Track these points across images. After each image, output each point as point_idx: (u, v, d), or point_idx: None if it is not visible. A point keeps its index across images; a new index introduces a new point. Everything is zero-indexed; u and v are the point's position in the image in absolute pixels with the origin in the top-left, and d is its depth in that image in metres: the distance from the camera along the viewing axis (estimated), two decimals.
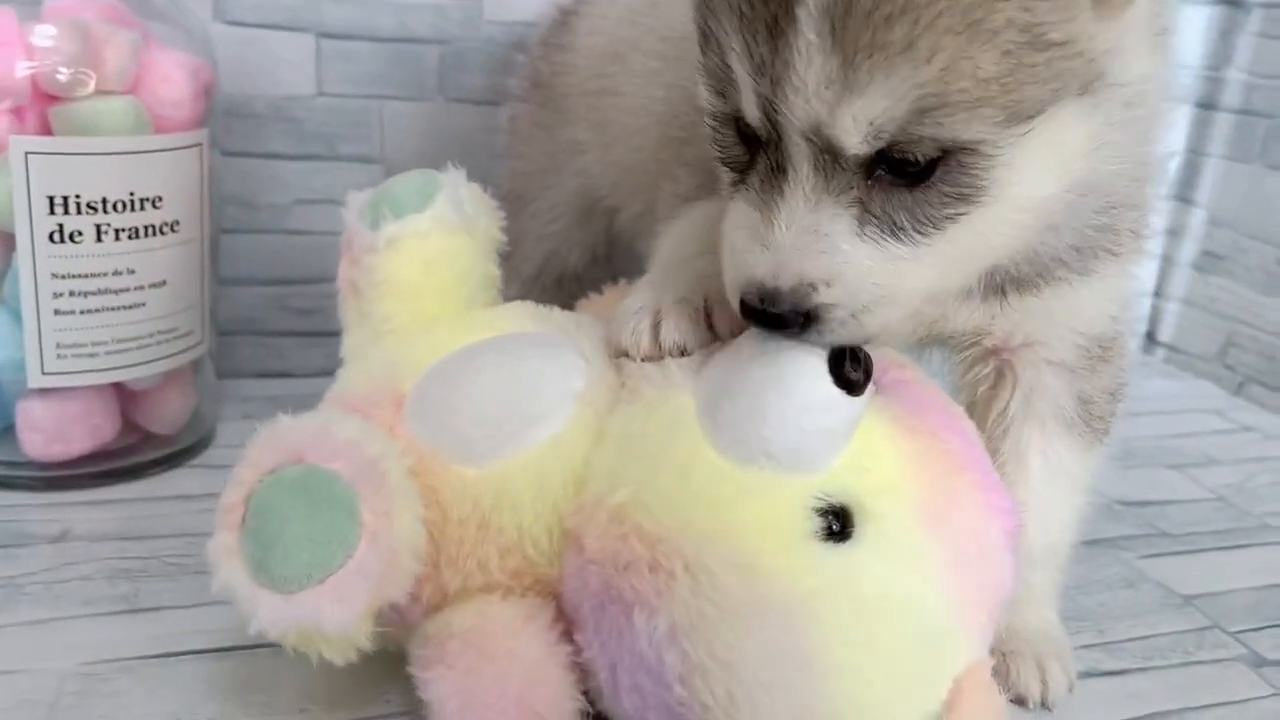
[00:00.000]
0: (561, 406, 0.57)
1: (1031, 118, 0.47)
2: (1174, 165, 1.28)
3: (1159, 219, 0.67)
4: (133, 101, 0.75)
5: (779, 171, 0.49)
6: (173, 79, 0.77)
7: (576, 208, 0.91)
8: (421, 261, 0.64)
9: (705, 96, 0.54)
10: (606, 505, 0.53)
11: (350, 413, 0.57)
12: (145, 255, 0.77)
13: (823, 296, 0.49)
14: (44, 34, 0.72)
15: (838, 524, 0.51)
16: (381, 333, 0.64)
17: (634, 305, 0.59)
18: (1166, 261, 1.30)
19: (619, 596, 0.51)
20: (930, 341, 0.66)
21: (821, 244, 0.49)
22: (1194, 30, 1.24)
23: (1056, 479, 0.65)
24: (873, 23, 0.44)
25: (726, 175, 0.54)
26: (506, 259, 0.91)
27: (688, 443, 0.53)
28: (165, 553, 0.72)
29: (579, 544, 0.53)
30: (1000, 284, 0.59)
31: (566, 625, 0.54)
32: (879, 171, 0.48)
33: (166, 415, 0.84)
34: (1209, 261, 1.25)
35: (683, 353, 0.56)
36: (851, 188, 0.48)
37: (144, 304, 0.77)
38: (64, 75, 0.72)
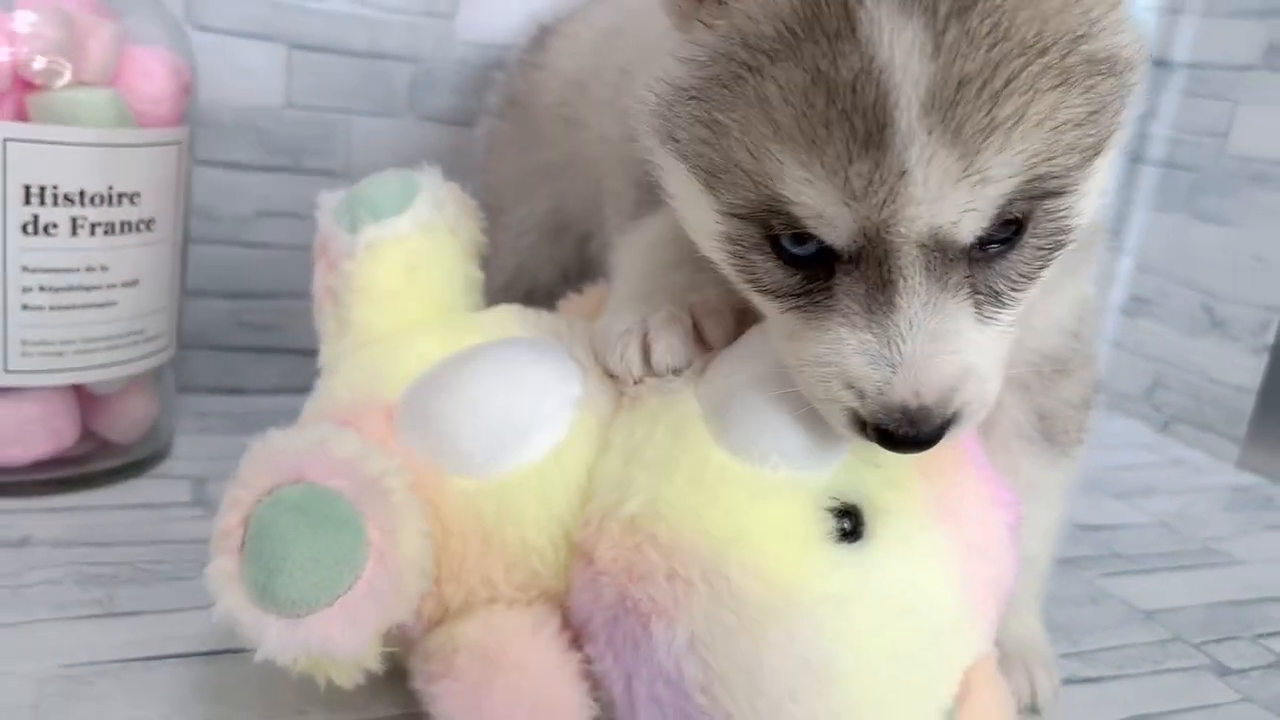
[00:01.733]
0: (562, 414, 0.55)
1: (1101, 147, 0.45)
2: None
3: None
4: (114, 94, 0.73)
5: (885, 285, 0.45)
6: (153, 74, 0.75)
7: (548, 225, 0.91)
8: (404, 266, 0.62)
9: (721, 232, 0.49)
10: (618, 517, 0.51)
11: (341, 426, 0.55)
12: (120, 252, 0.74)
13: (962, 396, 0.46)
14: (24, 20, 0.69)
15: (850, 524, 0.51)
16: (362, 341, 0.62)
17: (619, 326, 0.56)
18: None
19: (635, 608, 0.50)
20: None
21: (951, 344, 0.45)
22: None
23: (1024, 493, 0.64)
24: (983, 103, 0.41)
25: (769, 302, 0.49)
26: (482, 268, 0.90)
27: (697, 447, 0.52)
28: (137, 559, 0.68)
29: (589, 556, 0.52)
30: None
31: (574, 634, 0.53)
32: (977, 250, 0.45)
33: (126, 423, 0.80)
34: (1137, 306, 1.31)
35: (676, 372, 0.55)
36: (966, 276, 0.45)
37: (115, 303, 0.75)
38: (41, 62, 0.69)
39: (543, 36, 0.93)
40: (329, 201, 0.64)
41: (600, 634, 0.52)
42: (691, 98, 0.47)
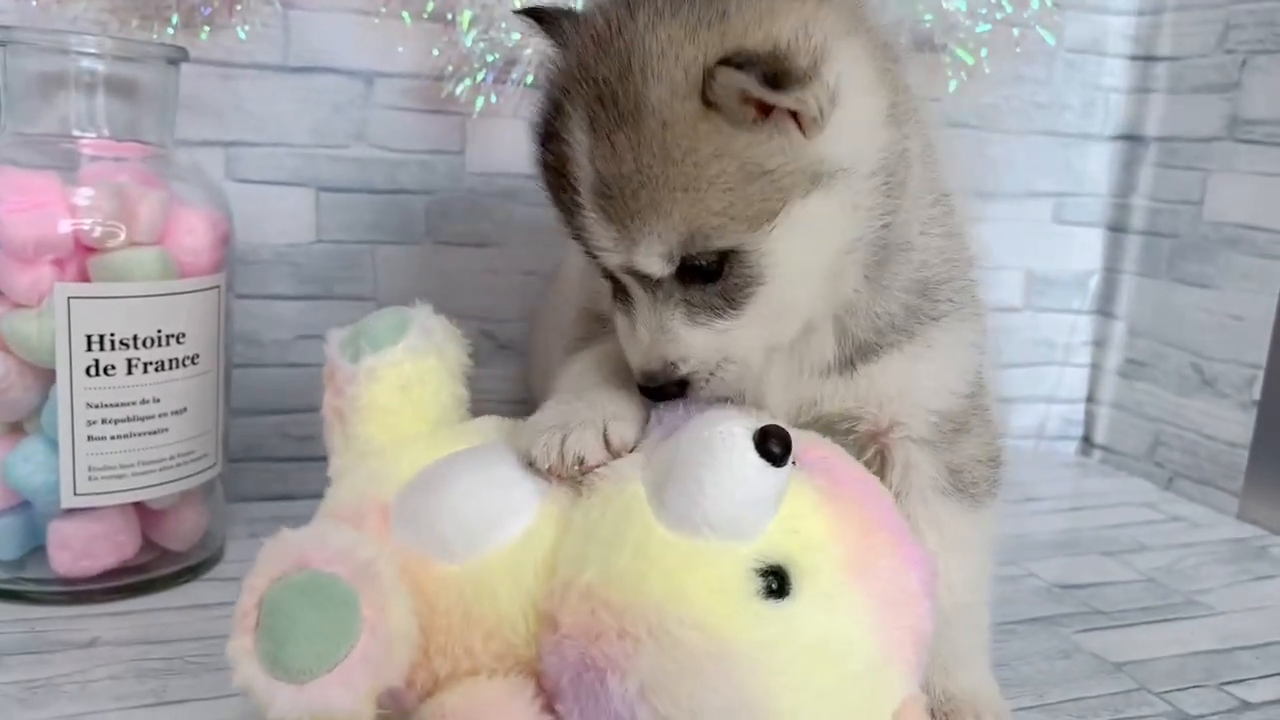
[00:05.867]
0: (529, 503, 0.65)
1: (770, 220, 0.61)
2: (1094, 282, 1.41)
3: (984, 292, 0.75)
4: (161, 251, 0.85)
5: (627, 295, 0.66)
6: (196, 231, 0.88)
7: None
8: (397, 387, 0.72)
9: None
10: (576, 585, 0.60)
11: (342, 523, 0.65)
12: (169, 385, 0.86)
13: (683, 369, 0.65)
14: (84, 195, 0.83)
15: (776, 583, 0.59)
16: (366, 453, 0.71)
17: (545, 423, 0.67)
18: (1095, 369, 1.42)
19: (593, 664, 0.58)
20: (817, 427, 0.75)
21: (667, 335, 0.65)
22: (1101, 163, 1.38)
23: (949, 543, 0.72)
24: (624, 197, 0.60)
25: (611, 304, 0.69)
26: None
27: (641, 523, 0.61)
28: (188, 654, 0.78)
29: (554, 623, 0.60)
30: (849, 356, 0.70)
31: (547, 700, 0.61)
32: (689, 278, 0.64)
33: (182, 533, 0.91)
34: (1133, 368, 1.37)
35: (580, 462, 0.65)
36: (674, 294, 0.64)
37: (167, 429, 0.86)
38: (99, 229, 0.82)
39: None
40: (335, 337, 0.75)
41: (567, 691, 0.60)
42: None
